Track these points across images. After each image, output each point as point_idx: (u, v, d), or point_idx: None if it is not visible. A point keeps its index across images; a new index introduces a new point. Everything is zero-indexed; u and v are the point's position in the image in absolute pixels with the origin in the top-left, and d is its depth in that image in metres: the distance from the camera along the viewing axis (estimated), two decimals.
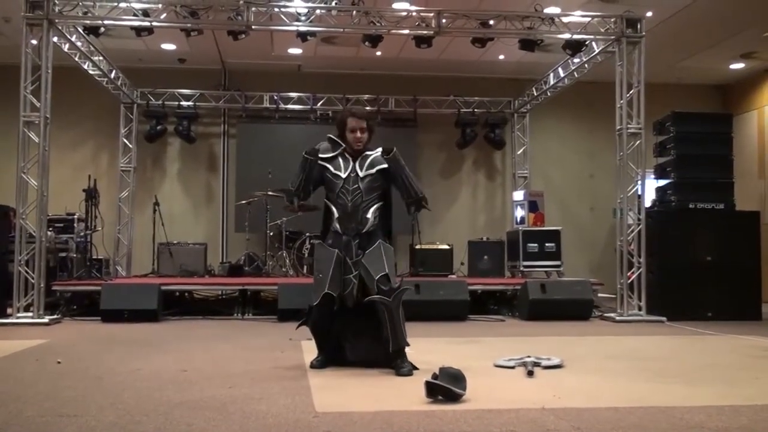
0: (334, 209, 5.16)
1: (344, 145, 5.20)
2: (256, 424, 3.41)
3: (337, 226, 5.13)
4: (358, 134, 5.15)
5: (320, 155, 5.22)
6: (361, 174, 5.13)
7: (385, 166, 5.17)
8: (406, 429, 3.33)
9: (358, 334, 5.20)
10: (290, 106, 13.32)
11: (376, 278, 4.92)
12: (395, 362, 4.90)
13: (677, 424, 3.48)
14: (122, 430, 3.29)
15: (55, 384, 4.45)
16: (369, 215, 5.12)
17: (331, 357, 5.14)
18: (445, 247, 12.06)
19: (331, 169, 5.17)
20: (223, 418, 3.52)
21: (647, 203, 9.77)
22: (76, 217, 10.65)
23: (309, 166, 5.20)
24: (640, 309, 9.12)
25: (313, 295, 5.10)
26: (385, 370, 4.95)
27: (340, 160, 5.19)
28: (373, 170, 5.15)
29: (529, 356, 5.16)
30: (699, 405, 3.87)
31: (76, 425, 3.37)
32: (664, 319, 8.89)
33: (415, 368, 4.86)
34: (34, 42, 8.90)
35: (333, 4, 9.55)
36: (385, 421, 3.46)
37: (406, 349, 5.00)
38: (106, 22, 9.29)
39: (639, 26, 9.50)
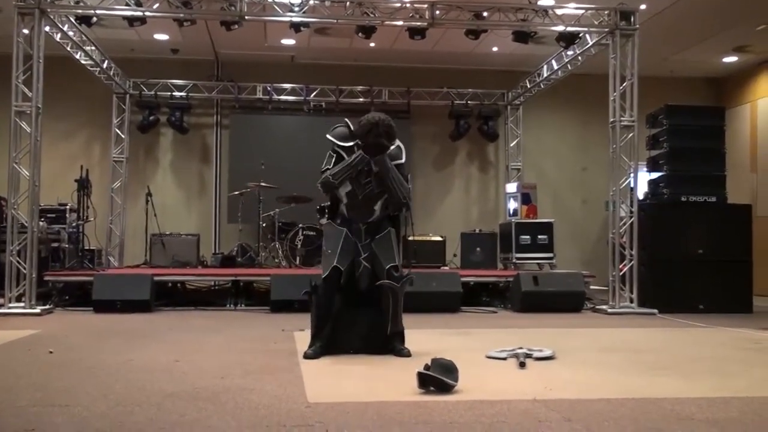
0: (343, 196, 5.26)
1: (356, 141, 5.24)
2: (248, 414, 3.42)
3: (345, 212, 5.29)
4: (378, 139, 5.12)
5: (338, 143, 5.29)
6: (375, 168, 5.15)
7: (401, 161, 5.27)
8: (398, 419, 3.34)
9: (353, 322, 5.29)
10: (283, 97, 13.29)
11: (387, 267, 5.14)
12: (394, 345, 5.18)
13: (668, 415, 3.49)
14: (114, 421, 3.29)
15: (46, 374, 4.45)
16: (377, 207, 5.28)
17: (325, 345, 5.16)
18: (438, 238, 12.07)
19: (347, 158, 5.21)
20: (216, 408, 3.52)
21: (640, 196, 9.79)
22: (68, 207, 10.64)
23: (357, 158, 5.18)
24: (631, 301, 9.15)
25: (322, 270, 5.20)
26: (378, 360, 4.98)
27: (355, 151, 5.22)
28: None
29: (521, 348, 5.18)
30: (690, 397, 3.89)
31: (68, 415, 3.37)
32: (655, 311, 8.91)
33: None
34: (26, 31, 8.83)
35: None
36: (377, 412, 3.47)
37: None
38: (98, 11, 9.23)
39: (632, 19, 9.50)
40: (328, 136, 5.34)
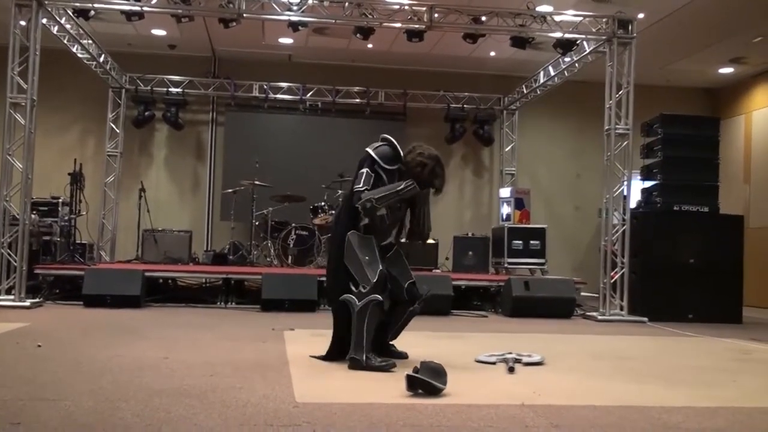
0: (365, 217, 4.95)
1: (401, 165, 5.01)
2: (235, 412, 3.41)
3: (362, 230, 4.97)
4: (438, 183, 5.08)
5: (383, 164, 4.96)
6: (401, 191, 4.92)
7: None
8: (386, 422, 3.33)
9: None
10: (280, 96, 13.29)
11: (406, 285, 5.09)
12: (390, 347, 5.18)
13: (655, 423, 3.50)
14: (101, 416, 3.28)
15: (34, 368, 4.43)
16: (393, 232, 5.19)
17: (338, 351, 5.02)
18: (431, 241, 12.05)
19: (386, 181, 4.93)
20: (203, 406, 3.51)
21: (632, 204, 9.82)
22: (60, 200, 10.59)
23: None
24: (622, 309, 9.17)
25: (364, 278, 4.81)
26: None
27: (397, 176, 4.98)
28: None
29: (510, 352, 5.18)
30: (677, 405, 3.90)
31: (55, 409, 3.36)
32: (645, 319, 8.94)
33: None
34: (23, 23, 8.82)
35: None
36: (365, 414, 3.46)
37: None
38: (95, 5, 9.22)
39: (630, 27, 9.52)
40: (371, 152, 4.97)
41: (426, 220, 5.16)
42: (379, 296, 4.78)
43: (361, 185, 4.86)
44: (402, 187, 4.88)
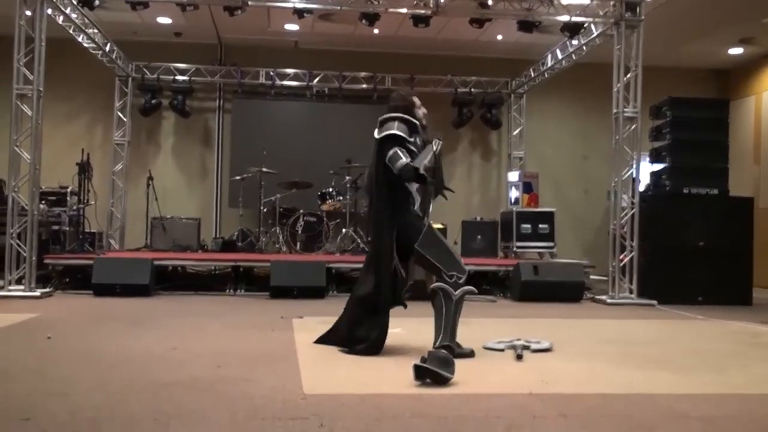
0: (415, 193, 4.95)
1: (417, 123, 5.02)
2: (244, 405, 3.42)
3: (418, 210, 4.96)
4: (424, 110, 5.15)
5: (408, 138, 4.93)
6: (436, 151, 4.93)
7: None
8: (394, 412, 3.34)
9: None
10: (286, 83, 13.24)
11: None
12: None
13: (664, 412, 3.50)
14: (110, 410, 3.30)
15: (44, 361, 4.46)
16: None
17: None
18: (439, 226, 12.01)
19: (416, 151, 4.92)
20: (212, 399, 3.53)
21: (641, 187, 9.77)
22: (69, 190, 10.60)
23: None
24: (631, 292, 9.15)
25: (453, 265, 4.81)
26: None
27: (418, 140, 5.01)
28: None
29: (518, 339, 5.19)
30: (686, 393, 3.90)
31: (64, 404, 3.38)
32: (654, 302, 8.91)
33: None
34: (28, 13, 8.79)
35: None
36: (373, 405, 3.47)
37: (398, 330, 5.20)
38: None
39: (638, 10, 9.43)
40: (396, 133, 4.87)
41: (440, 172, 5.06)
42: (475, 289, 4.90)
43: (403, 160, 4.78)
44: (436, 148, 4.92)
